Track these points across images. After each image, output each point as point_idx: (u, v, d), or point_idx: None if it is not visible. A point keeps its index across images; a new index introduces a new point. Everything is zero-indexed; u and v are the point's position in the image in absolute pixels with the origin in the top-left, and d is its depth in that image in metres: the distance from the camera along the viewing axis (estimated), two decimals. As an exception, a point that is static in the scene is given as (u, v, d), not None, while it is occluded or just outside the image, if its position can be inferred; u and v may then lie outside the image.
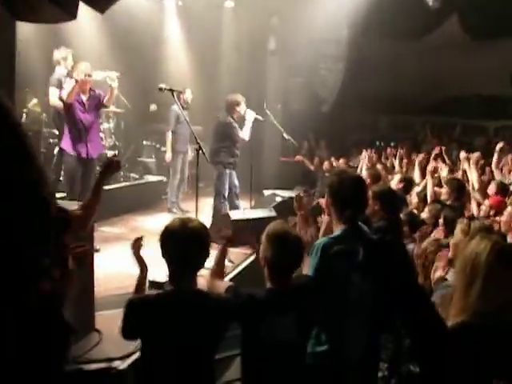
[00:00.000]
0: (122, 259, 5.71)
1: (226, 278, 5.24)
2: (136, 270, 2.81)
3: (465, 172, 6.69)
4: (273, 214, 6.73)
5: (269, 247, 2.64)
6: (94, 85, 6.36)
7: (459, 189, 5.87)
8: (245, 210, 7.14)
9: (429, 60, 13.32)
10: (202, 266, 2.55)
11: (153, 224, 7.56)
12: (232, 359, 4.01)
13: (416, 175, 7.04)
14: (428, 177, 6.28)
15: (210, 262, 2.76)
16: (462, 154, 6.89)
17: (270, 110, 8.17)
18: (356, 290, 2.80)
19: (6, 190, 1.49)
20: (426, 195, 6.14)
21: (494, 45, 12.86)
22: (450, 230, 4.16)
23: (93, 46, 8.41)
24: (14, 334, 1.58)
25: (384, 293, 2.65)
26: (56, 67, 7.12)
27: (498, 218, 5.10)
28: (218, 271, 2.94)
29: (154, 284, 4.11)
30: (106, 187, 8.19)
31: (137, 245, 2.78)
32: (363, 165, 7.98)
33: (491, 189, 5.91)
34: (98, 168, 7.75)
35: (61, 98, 6.24)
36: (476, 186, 5.86)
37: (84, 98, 6.21)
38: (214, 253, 2.83)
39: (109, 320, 3.96)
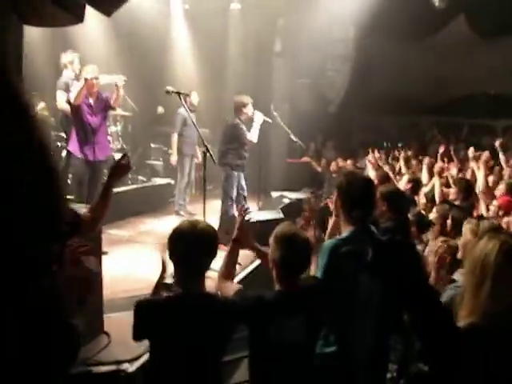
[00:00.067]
0: (130, 262, 5.73)
1: (235, 280, 5.25)
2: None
3: (473, 171, 6.67)
4: (280, 215, 6.73)
5: (277, 249, 2.64)
6: (100, 88, 6.38)
7: (467, 189, 5.86)
8: (252, 212, 7.14)
9: (435, 60, 13.28)
10: (209, 266, 2.55)
11: (160, 227, 7.58)
12: (240, 361, 4.01)
13: (424, 176, 7.02)
14: (436, 177, 6.26)
15: (218, 264, 2.77)
16: (471, 152, 6.86)
17: (276, 112, 8.18)
18: (365, 290, 2.79)
19: (9, 188, 1.50)
20: (434, 196, 6.11)
21: (500, 44, 12.81)
22: (458, 231, 4.14)
23: (100, 49, 8.43)
24: (14, 334, 1.58)
25: (393, 294, 2.64)
26: (63, 71, 7.15)
27: (506, 219, 5.07)
28: (227, 273, 2.93)
29: (163, 286, 4.12)
30: (114, 190, 8.23)
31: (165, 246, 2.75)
32: (369, 166, 7.96)
33: (500, 189, 5.88)
34: (105, 171, 7.82)
35: (68, 101, 6.27)
36: (481, 186, 5.83)
37: (91, 100, 6.23)
38: (221, 254, 2.83)
39: (117, 322, 3.98)
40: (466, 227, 3.59)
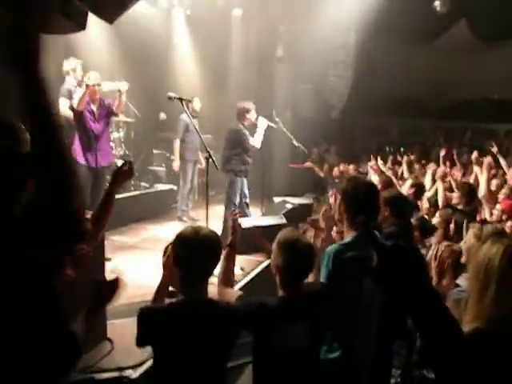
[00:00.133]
0: (133, 268, 5.72)
1: (238, 286, 5.24)
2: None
3: (476, 176, 6.66)
4: (283, 221, 6.72)
5: (280, 254, 2.64)
6: (103, 95, 6.40)
7: (470, 193, 5.85)
8: (255, 218, 7.15)
9: (437, 64, 13.29)
10: (212, 272, 2.55)
11: (163, 233, 7.57)
12: (244, 367, 3.99)
13: (427, 181, 7.01)
14: (439, 181, 6.25)
15: (218, 270, 2.76)
16: (474, 157, 6.84)
17: (279, 118, 8.18)
18: (368, 295, 2.78)
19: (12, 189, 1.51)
20: (437, 200, 6.10)
21: (502, 48, 12.82)
22: (461, 235, 4.14)
23: (102, 56, 8.46)
24: (12, 335, 1.57)
25: (396, 299, 2.64)
26: (66, 78, 7.17)
27: (509, 223, 5.06)
28: (226, 279, 2.90)
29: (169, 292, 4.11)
30: (117, 196, 8.22)
31: (170, 250, 2.73)
32: (370, 172, 7.96)
33: (503, 193, 5.87)
34: (108, 177, 7.83)
35: (71, 108, 6.28)
36: (483, 191, 5.81)
37: (94, 107, 6.25)
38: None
39: (120, 329, 3.97)
40: (470, 232, 3.59)
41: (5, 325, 1.56)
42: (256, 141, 7.16)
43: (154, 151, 10.53)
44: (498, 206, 5.60)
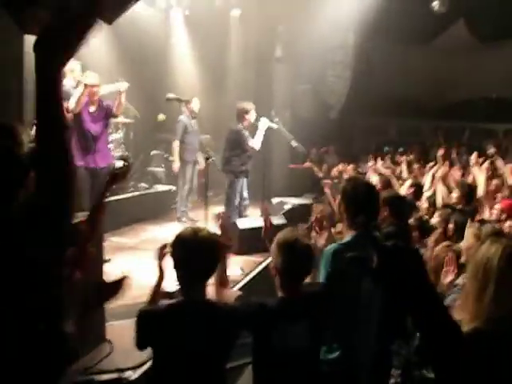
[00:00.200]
0: (132, 269, 5.71)
1: (237, 287, 5.24)
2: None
3: (475, 176, 6.65)
4: (283, 221, 6.73)
5: (279, 255, 2.63)
6: (103, 98, 6.39)
7: (470, 193, 5.84)
8: (254, 218, 7.14)
9: (436, 64, 13.31)
10: (212, 274, 2.55)
11: (162, 233, 7.57)
12: (244, 367, 3.99)
13: (427, 181, 7.00)
14: (438, 181, 6.25)
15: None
16: (474, 158, 6.82)
17: (277, 118, 8.19)
18: (368, 296, 2.78)
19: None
20: (436, 200, 6.10)
21: (501, 48, 12.84)
22: (460, 235, 4.13)
23: (101, 57, 8.46)
24: (9, 335, 1.57)
25: (396, 299, 2.64)
26: (64, 79, 7.16)
27: (509, 222, 5.06)
28: (222, 280, 2.90)
29: (165, 294, 4.10)
30: (116, 197, 8.24)
31: (162, 252, 2.75)
32: (369, 173, 7.96)
33: (503, 192, 5.87)
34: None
35: (67, 109, 6.26)
36: (481, 192, 5.81)
37: (92, 108, 6.23)
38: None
39: (119, 330, 3.97)
40: (469, 231, 3.59)
41: (1, 324, 1.56)
42: (255, 142, 7.17)
43: (153, 152, 10.52)
44: (498, 206, 5.60)
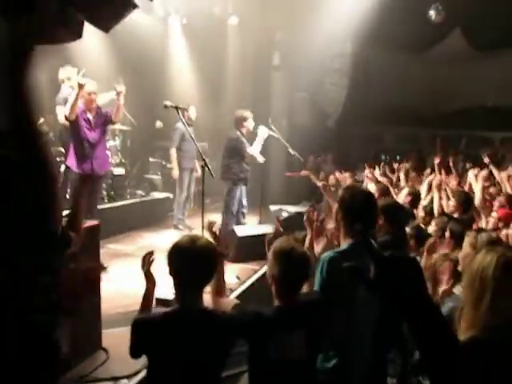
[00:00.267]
0: (129, 276, 5.71)
1: (234, 295, 5.23)
2: (143, 287, 2.79)
3: (471, 184, 6.66)
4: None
5: (275, 264, 2.63)
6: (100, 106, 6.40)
7: (466, 201, 5.84)
8: (251, 226, 7.15)
9: (433, 73, 13.34)
10: (208, 282, 2.55)
11: (159, 241, 7.57)
12: (240, 376, 3.97)
13: (423, 189, 7.02)
14: (434, 190, 6.25)
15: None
16: (471, 171, 6.82)
17: (275, 125, 8.21)
18: (364, 304, 2.77)
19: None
20: (432, 208, 6.10)
21: (498, 56, 12.88)
22: (456, 244, 4.13)
23: (98, 64, 8.47)
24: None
25: (393, 308, 2.64)
26: (61, 86, 7.17)
27: (505, 231, 5.07)
28: (218, 288, 2.89)
29: (161, 301, 4.10)
30: (113, 204, 8.22)
31: (147, 260, 2.75)
32: (366, 181, 7.96)
33: (500, 200, 5.87)
34: (104, 185, 7.82)
35: (65, 117, 6.27)
36: (477, 201, 5.82)
37: (90, 116, 6.24)
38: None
39: (116, 338, 3.95)
40: (466, 240, 3.59)
41: None
42: (254, 150, 7.19)
43: (150, 159, 10.54)
44: (494, 214, 5.60)
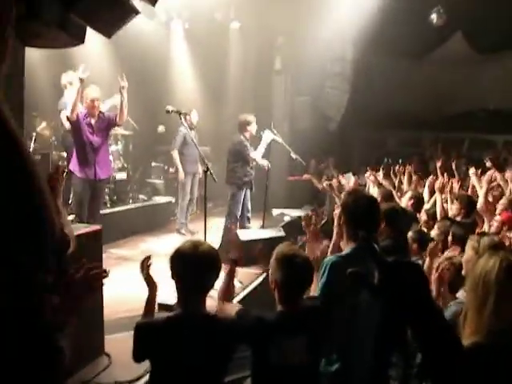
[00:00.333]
0: (131, 281, 5.69)
1: (236, 299, 5.22)
2: (145, 292, 2.78)
3: (474, 187, 6.65)
4: (281, 233, 6.71)
5: (278, 269, 2.63)
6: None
7: (469, 205, 5.83)
8: (253, 231, 7.14)
9: (435, 76, 13.35)
10: (211, 288, 2.55)
11: (162, 245, 7.56)
12: (242, 381, 3.97)
13: (425, 193, 7.00)
14: (437, 193, 6.24)
15: (218, 283, 2.75)
16: (472, 172, 6.81)
17: (276, 130, 8.22)
18: (367, 308, 2.77)
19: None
20: (435, 212, 6.09)
21: (499, 59, 12.89)
22: (459, 247, 4.12)
23: (100, 69, 8.49)
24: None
25: (396, 312, 2.63)
26: (64, 91, 7.19)
27: (509, 234, 5.05)
28: (227, 293, 2.91)
29: (164, 306, 4.09)
30: (115, 209, 8.22)
31: (145, 264, 2.75)
32: (369, 184, 7.95)
33: (503, 203, 5.86)
34: (107, 190, 7.82)
35: (68, 118, 6.28)
36: (479, 204, 5.80)
37: (93, 120, 6.25)
38: (222, 274, 2.81)
39: (118, 343, 3.95)
40: (468, 244, 3.58)
41: None
42: (257, 154, 7.22)
43: (153, 164, 10.55)
44: (498, 218, 5.58)
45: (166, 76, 10.80)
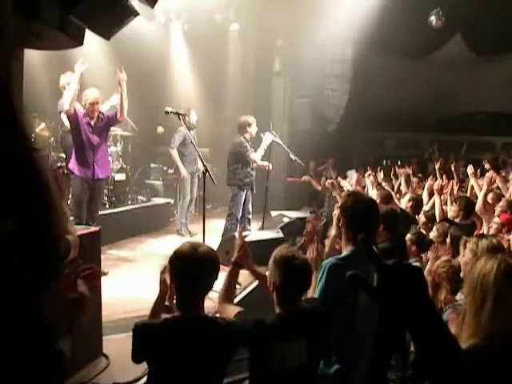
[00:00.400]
0: (130, 282, 5.71)
1: (235, 301, 5.21)
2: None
3: (472, 189, 6.65)
4: (280, 235, 6.71)
5: (276, 272, 2.62)
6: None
7: (468, 207, 5.83)
8: (252, 232, 7.13)
9: (434, 78, 13.35)
10: (210, 289, 2.54)
11: (161, 246, 7.57)
12: (240, 383, 3.97)
13: (424, 195, 7.01)
14: (436, 195, 6.25)
15: (218, 285, 2.74)
16: (470, 170, 6.81)
17: (276, 131, 8.22)
18: (365, 310, 2.77)
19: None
20: (434, 214, 6.09)
21: (498, 61, 12.91)
22: (457, 249, 4.13)
23: (100, 71, 8.49)
24: None
25: (395, 315, 2.63)
26: (63, 92, 7.18)
27: (508, 236, 5.05)
28: (227, 295, 2.89)
29: (163, 308, 4.08)
30: (114, 210, 8.21)
31: (166, 269, 2.68)
32: (369, 185, 7.95)
33: (502, 206, 5.85)
34: (105, 190, 7.82)
35: (66, 116, 6.27)
36: (477, 207, 5.80)
37: (92, 121, 6.24)
38: (221, 274, 2.81)
39: (116, 344, 3.95)
40: (467, 247, 3.58)
41: None
42: (257, 155, 7.22)
43: (152, 165, 10.55)
44: (497, 220, 5.58)
45: (166, 77, 10.80)
